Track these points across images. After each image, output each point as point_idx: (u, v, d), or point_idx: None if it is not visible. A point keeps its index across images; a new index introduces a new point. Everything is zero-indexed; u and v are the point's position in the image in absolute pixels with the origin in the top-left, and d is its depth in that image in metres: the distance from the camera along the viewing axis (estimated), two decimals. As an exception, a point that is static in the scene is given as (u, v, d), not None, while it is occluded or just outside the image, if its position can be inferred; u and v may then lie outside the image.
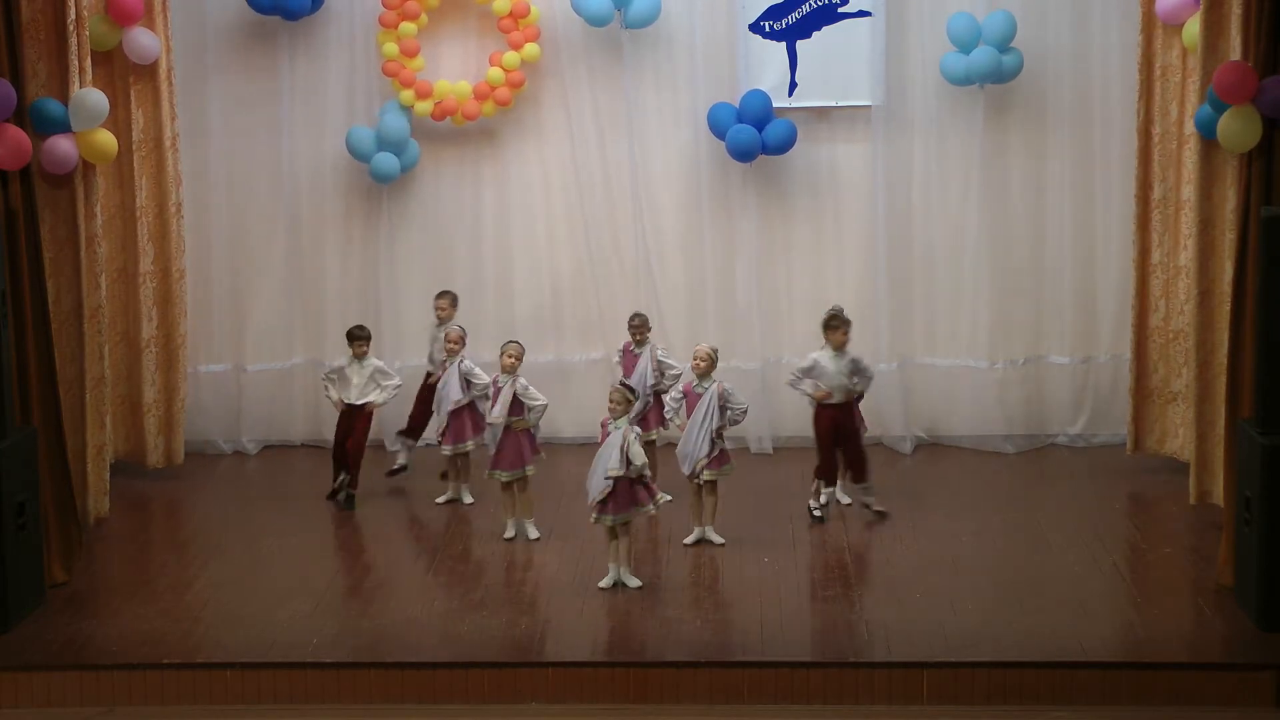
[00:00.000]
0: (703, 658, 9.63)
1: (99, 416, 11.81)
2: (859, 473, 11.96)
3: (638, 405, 11.67)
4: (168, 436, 13.11)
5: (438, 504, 12.40)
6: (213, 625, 10.20)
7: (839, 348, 11.80)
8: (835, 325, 11.82)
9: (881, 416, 13.70)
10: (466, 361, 12.34)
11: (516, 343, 11.81)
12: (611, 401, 10.73)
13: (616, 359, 12.75)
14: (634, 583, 10.67)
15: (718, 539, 11.47)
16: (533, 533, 11.65)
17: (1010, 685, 9.43)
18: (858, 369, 11.85)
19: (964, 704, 9.40)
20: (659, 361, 12.43)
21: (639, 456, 10.62)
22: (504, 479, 11.63)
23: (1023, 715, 9.33)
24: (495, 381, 11.74)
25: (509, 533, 11.67)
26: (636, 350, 12.49)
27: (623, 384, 11.01)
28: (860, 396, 12.01)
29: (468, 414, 12.25)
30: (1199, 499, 11.66)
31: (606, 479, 10.58)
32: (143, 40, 12.51)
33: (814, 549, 11.38)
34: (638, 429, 11.28)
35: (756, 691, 9.50)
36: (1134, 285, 12.86)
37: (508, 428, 11.58)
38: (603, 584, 10.67)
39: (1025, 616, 10.13)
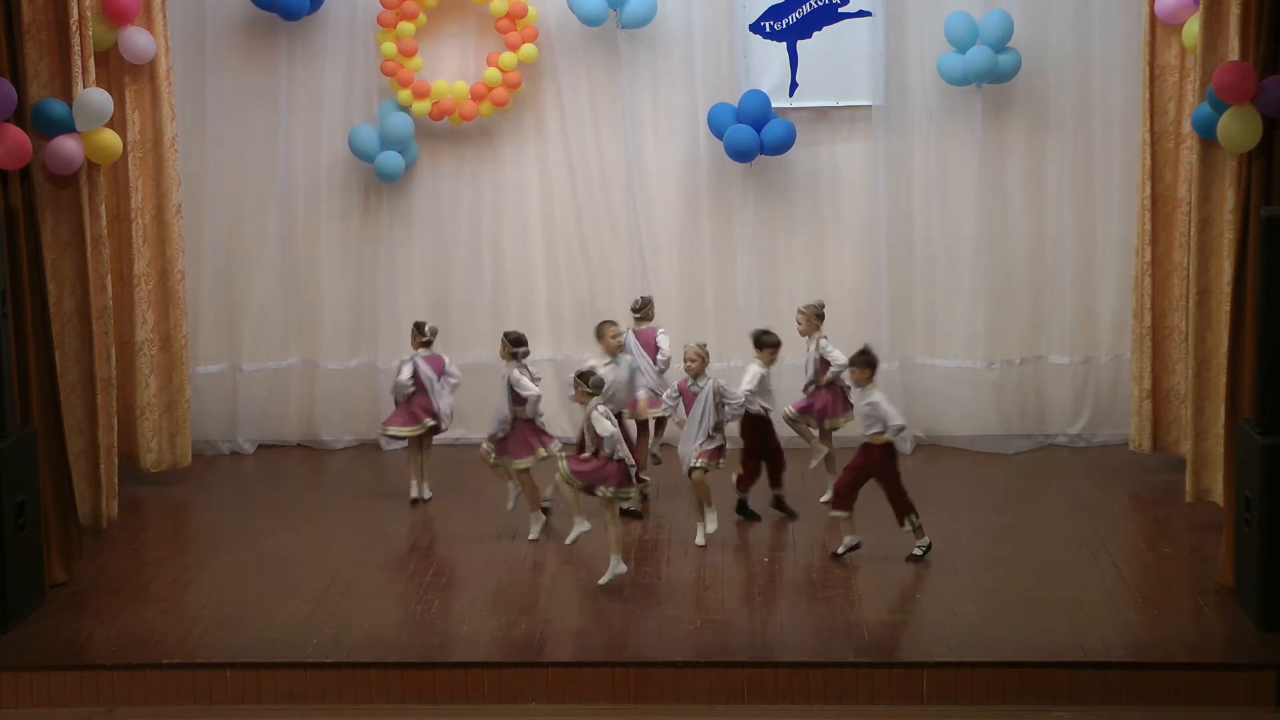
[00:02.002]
0: (703, 658, 9.63)
1: (107, 418, 11.80)
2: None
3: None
4: (173, 439, 13.06)
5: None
6: (212, 625, 10.20)
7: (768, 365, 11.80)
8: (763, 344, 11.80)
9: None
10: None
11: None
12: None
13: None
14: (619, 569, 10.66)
15: (712, 526, 11.43)
16: (534, 532, 11.66)
17: (1010, 685, 9.43)
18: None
19: (964, 704, 9.40)
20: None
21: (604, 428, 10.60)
22: (519, 466, 11.65)
23: (1023, 715, 9.33)
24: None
25: (512, 503, 11.70)
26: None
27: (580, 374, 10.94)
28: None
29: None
30: (1197, 497, 11.66)
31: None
32: (138, 40, 12.50)
33: (814, 549, 11.38)
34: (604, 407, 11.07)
35: (756, 691, 9.50)
36: (1135, 284, 12.87)
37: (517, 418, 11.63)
38: (603, 581, 10.66)
39: (1025, 616, 10.13)
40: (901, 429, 11.11)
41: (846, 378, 11.86)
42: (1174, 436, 12.76)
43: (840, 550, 11.10)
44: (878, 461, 11.08)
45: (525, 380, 11.54)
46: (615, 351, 11.95)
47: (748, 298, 13.77)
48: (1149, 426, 12.87)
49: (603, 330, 12.02)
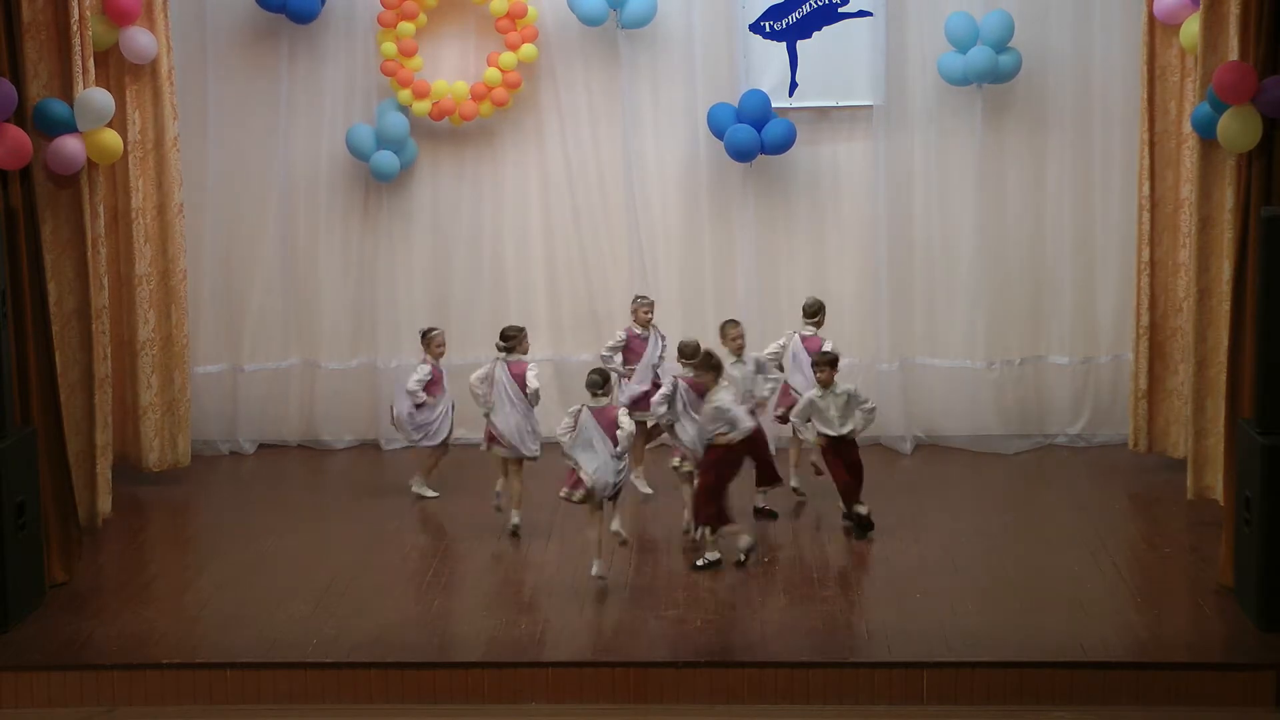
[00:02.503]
0: (703, 658, 9.63)
1: (103, 417, 11.82)
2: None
3: (645, 386, 12.01)
4: (174, 439, 13.07)
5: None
6: (213, 625, 10.20)
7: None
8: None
9: (881, 417, 13.65)
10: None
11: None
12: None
13: (613, 346, 12.48)
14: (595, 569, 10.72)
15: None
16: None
17: (1010, 685, 9.43)
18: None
19: (964, 704, 9.40)
20: (663, 338, 12.52)
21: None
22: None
23: (1023, 715, 9.33)
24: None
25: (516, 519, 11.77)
26: (643, 334, 12.42)
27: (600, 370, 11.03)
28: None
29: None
30: (1198, 494, 11.67)
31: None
32: (140, 40, 12.51)
33: (814, 549, 11.37)
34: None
35: (756, 691, 9.50)
36: (1135, 284, 12.87)
37: None
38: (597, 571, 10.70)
39: (1025, 616, 10.13)
40: (749, 430, 11.09)
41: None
42: (1174, 438, 12.75)
43: (742, 557, 11.05)
44: (720, 459, 11.07)
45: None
46: (738, 351, 11.82)
47: (748, 297, 13.77)
48: (1144, 426, 12.86)
49: (725, 330, 11.94)
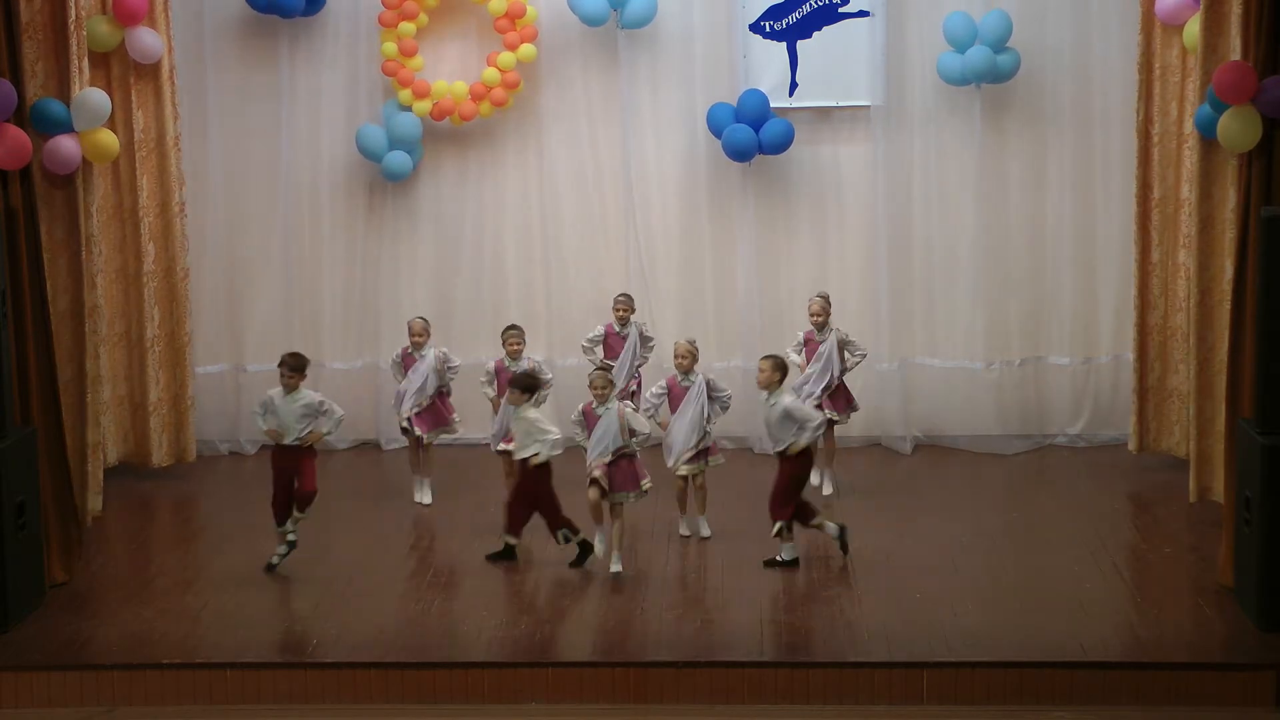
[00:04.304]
0: (703, 658, 9.63)
1: (95, 415, 11.83)
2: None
3: (621, 384, 12.13)
4: (177, 434, 13.14)
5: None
6: (213, 625, 10.20)
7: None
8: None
9: (881, 417, 13.71)
10: (442, 349, 12.55)
11: (518, 327, 12.11)
12: (595, 387, 10.87)
13: (592, 339, 12.69)
14: (617, 568, 10.86)
15: (706, 531, 11.52)
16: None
17: (1010, 685, 9.43)
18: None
19: (964, 704, 9.40)
20: (643, 336, 12.63)
21: (643, 424, 10.98)
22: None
23: (1023, 715, 9.32)
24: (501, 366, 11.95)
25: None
26: (621, 331, 12.57)
27: (601, 366, 11.18)
28: None
29: (440, 403, 12.47)
30: (1199, 495, 11.67)
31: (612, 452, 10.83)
32: (146, 40, 12.54)
33: (813, 549, 11.37)
34: (629, 403, 11.37)
35: (756, 691, 9.50)
36: (1135, 284, 12.87)
37: None
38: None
39: (1025, 616, 10.13)
40: (341, 417, 11.13)
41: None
42: (1175, 438, 12.75)
43: (273, 560, 11.06)
44: (292, 461, 11.10)
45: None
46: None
47: (748, 297, 13.77)
48: (1145, 426, 12.86)
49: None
